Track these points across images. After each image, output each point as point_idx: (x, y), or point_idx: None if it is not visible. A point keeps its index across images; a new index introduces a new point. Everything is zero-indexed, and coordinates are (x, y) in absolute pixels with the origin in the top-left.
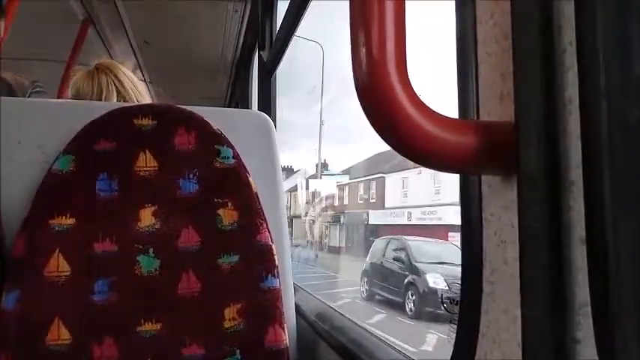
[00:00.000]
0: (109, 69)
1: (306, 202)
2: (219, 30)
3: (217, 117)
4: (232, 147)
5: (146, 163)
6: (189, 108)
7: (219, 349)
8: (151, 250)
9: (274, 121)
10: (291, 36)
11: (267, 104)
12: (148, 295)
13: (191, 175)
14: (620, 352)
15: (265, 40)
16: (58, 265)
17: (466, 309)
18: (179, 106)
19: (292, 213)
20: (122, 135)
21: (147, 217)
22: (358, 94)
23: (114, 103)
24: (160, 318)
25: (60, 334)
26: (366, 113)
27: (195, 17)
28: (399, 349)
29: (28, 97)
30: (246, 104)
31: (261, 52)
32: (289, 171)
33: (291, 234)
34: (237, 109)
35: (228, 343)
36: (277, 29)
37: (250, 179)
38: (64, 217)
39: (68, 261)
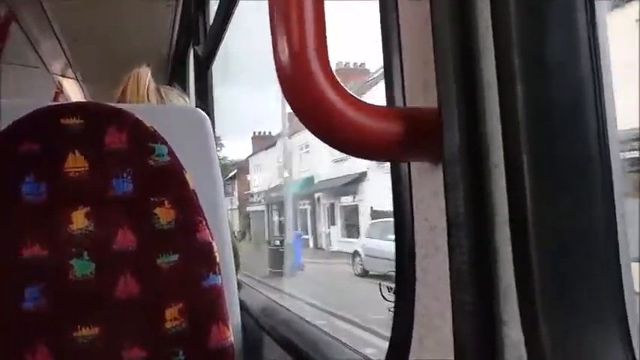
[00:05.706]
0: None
1: None
2: (152, 25)
3: (151, 114)
4: (167, 144)
5: (76, 163)
6: (120, 106)
7: (162, 350)
8: (85, 254)
9: (212, 115)
10: (223, 31)
11: (204, 99)
12: (84, 300)
13: (125, 175)
14: (544, 332)
15: (200, 36)
16: None
17: (401, 296)
18: (110, 104)
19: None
20: (48, 135)
21: (79, 220)
22: (280, 81)
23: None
24: (98, 322)
25: None
26: (288, 101)
27: (127, 13)
28: None
29: None
30: None
31: (195, 48)
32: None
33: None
34: (171, 107)
35: (170, 344)
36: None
37: (187, 176)
38: None
39: None
